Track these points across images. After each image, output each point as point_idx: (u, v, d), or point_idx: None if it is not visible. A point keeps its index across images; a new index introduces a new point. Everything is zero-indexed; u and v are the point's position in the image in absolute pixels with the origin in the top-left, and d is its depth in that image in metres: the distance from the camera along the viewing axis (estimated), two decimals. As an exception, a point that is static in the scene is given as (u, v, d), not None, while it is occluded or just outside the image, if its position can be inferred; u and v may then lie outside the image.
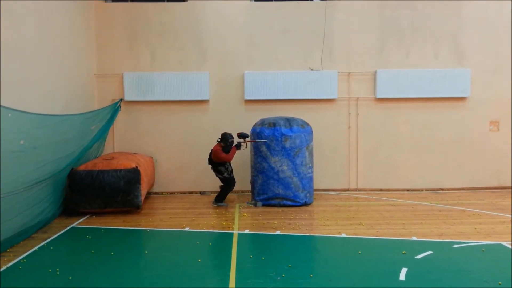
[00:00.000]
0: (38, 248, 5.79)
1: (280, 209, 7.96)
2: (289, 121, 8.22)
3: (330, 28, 9.42)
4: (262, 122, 8.34)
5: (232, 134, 8.29)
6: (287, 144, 8.02)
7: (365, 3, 9.42)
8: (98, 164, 7.63)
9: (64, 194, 7.64)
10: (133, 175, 7.55)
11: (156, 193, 9.57)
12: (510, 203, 8.20)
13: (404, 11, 9.44)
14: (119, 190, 7.46)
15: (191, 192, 9.61)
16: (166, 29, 9.46)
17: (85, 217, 7.47)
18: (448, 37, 9.48)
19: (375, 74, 9.39)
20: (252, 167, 8.50)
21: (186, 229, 6.74)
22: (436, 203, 8.28)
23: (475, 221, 6.95)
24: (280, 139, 8.03)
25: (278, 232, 6.46)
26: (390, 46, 9.46)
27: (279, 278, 4.64)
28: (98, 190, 7.39)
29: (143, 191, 7.84)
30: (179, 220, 7.26)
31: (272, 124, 8.16)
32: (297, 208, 8.00)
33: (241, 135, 8.16)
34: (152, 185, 9.33)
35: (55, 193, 7.23)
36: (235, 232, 6.50)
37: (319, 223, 6.96)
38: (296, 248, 5.79)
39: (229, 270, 4.89)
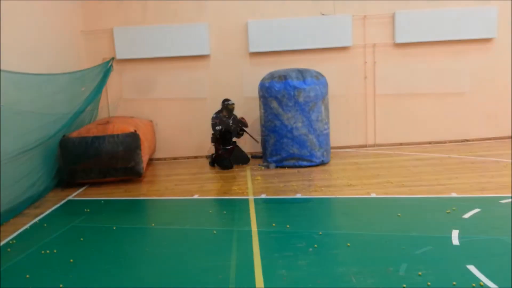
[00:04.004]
0: (30, 226, 5.12)
1: (295, 170, 7.25)
2: (301, 72, 7.36)
3: (342, -34, 8.38)
4: (272, 76, 7.48)
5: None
6: (301, 98, 7.21)
7: None
8: (92, 130, 6.84)
9: (58, 164, 6.91)
10: (132, 141, 6.79)
11: (159, 159, 8.83)
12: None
13: None
14: (118, 158, 6.71)
15: (195, 157, 8.85)
16: (158, -24, 8.41)
17: (83, 188, 6.78)
18: (473, -29, 8.46)
19: (393, 16, 8.42)
20: (262, 126, 7.72)
21: (195, 196, 6.05)
22: (466, 155, 7.57)
23: (514, 172, 6.25)
24: (292, 93, 7.20)
25: (298, 196, 5.77)
26: (409, -16, 8.45)
27: (311, 249, 3.98)
28: (94, 158, 6.64)
29: (145, 157, 7.11)
30: (186, 187, 6.56)
31: (283, 77, 7.30)
32: (314, 168, 7.29)
33: (242, 123, 7.80)
34: (154, 150, 8.57)
35: (46, 164, 6.50)
36: (251, 197, 5.81)
37: (343, 183, 6.25)
38: (323, 213, 5.14)
39: (251, 243, 4.22)
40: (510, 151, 7.67)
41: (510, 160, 7.01)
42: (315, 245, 4.03)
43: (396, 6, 8.42)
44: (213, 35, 8.55)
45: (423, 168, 6.82)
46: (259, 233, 4.45)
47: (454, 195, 5.37)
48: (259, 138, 7.95)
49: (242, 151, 7.99)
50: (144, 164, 7.02)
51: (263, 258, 3.83)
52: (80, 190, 6.71)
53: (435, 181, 6.00)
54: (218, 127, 7.58)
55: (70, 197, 6.34)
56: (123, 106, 8.72)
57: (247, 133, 7.95)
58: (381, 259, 3.70)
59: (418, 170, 6.71)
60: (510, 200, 5.02)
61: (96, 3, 8.42)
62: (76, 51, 8.21)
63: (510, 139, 8.64)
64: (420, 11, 8.39)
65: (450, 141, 8.85)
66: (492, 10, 8.46)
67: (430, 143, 8.85)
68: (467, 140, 8.85)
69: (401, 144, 8.86)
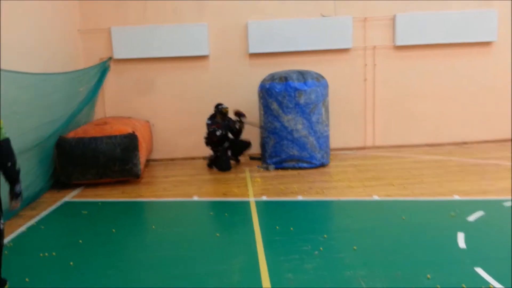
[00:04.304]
0: (27, 228, 4.99)
1: (295, 172, 7.18)
2: (302, 74, 7.30)
3: (342, -32, 8.35)
4: (272, 77, 7.41)
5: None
6: (302, 100, 7.14)
7: None
8: (89, 131, 6.72)
9: (54, 165, 6.78)
10: (130, 141, 6.67)
11: (155, 160, 8.71)
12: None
13: None
14: (115, 159, 6.59)
15: (193, 158, 8.76)
16: (156, -25, 8.32)
17: (79, 190, 6.64)
18: (472, -26, 8.47)
19: (394, 18, 8.40)
20: (261, 127, 7.65)
21: (195, 198, 5.96)
22: (466, 158, 7.55)
23: (516, 175, 6.24)
24: (293, 94, 7.13)
25: (300, 198, 5.70)
26: (409, -14, 8.43)
27: (316, 252, 3.91)
28: (91, 160, 6.51)
29: (142, 158, 7.00)
30: (185, 189, 6.46)
31: (284, 78, 7.24)
32: (314, 170, 7.23)
33: (239, 114, 7.63)
34: (151, 151, 8.47)
35: (42, 164, 6.36)
36: (251, 199, 5.73)
37: (344, 186, 6.20)
38: (326, 215, 5.08)
39: (255, 246, 4.14)
40: (509, 154, 7.67)
41: (510, 163, 7.00)
42: (321, 248, 3.96)
43: (396, 8, 8.39)
44: (212, 36, 8.46)
45: (424, 170, 6.78)
46: (263, 236, 4.38)
47: (456, 197, 5.34)
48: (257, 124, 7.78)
49: (240, 140, 7.86)
50: (142, 166, 6.92)
51: (268, 262, 3.76)
52: (76, 191, 6.58)
53: (436, 184, 5.96)
54: (218, 133, 7.44)
55: (66, 199, 6.21)
56: (120, 106, 8.59)
57: (247, 122, 7.71)
58: (388, 263, 3.64)
59: (419, 172, 6.67)
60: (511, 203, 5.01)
61: (93, 2, 8.29)
62: (73, 50, 8.08)
63: (509, 142, 8.64)
64: (420, 14, 8.38)
65: (449, 144, 8.84)
66: (492, 13, 8.47)
67: (429, 145, 8.83)
68: (466, 143, 8.84)
69: (400, 146, 8.83)
